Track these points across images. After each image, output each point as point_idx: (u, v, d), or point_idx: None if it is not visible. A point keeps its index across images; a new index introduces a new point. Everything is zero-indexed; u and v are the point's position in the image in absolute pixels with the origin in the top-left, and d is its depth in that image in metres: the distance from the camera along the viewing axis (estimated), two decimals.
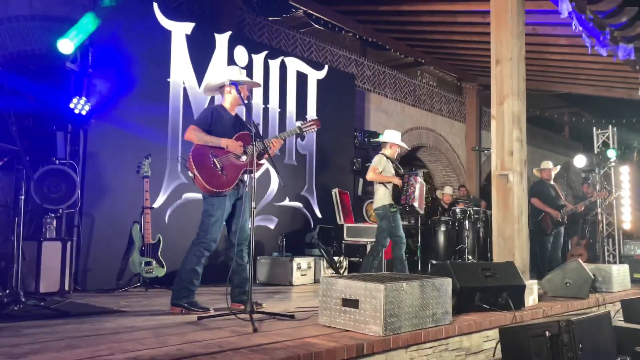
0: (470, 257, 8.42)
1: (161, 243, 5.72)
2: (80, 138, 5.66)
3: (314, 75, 8.23)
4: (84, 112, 5.35)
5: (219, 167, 4.04)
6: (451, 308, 3.67)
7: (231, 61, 7.12)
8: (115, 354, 2.54)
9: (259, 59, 7.46)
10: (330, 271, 6.96)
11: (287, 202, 7.62)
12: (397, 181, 5.84)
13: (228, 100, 4.31)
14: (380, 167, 5.91)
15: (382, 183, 5.91)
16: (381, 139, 6.33)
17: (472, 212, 8.54)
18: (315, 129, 4.32)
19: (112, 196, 5.77)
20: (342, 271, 7.08)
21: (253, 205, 3.63)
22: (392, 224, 5.86)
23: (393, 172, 5.97)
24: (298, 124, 4.35)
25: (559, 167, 8.50)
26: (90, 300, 4.72)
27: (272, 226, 7.39)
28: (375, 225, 7.78)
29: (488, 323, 4.00)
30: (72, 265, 5.37)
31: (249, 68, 7.31)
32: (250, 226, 4.19)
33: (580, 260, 5.52)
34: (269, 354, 2.61)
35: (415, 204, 5.83)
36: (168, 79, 6.39)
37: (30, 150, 5.45)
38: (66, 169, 5.33)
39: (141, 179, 5.69)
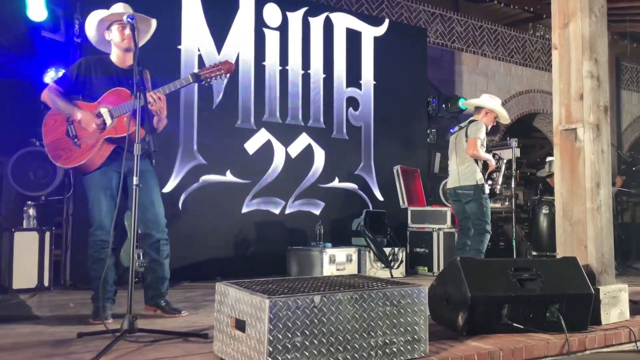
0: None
1: None
2: None
3: (370, 32, 6.90)
4: None
5: (72, 135, 3.13)
6: (426, 333, 2.33)
7: (259, 23, 6.12)
8: None
9: (295, 17, 6.35)
10: (379, 265, 5.70)
11: (336, 183, 6.46)
12: (494, 165, 4.83)
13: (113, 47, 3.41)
14: (482, 139, 4.75)
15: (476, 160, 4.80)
16: (477, 102, 5.04)
17: None
18: (223, 75, 3.18)
19: None
20: (396, 265, 5.77)
21: (135, 181, 2.62)
22: (483, 208, 4.70)
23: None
24: (196, 69, 3.24)
25: None
26: (48, 300, 4.09)
27: (316, 212, 6.28)
28: (445, 209, 6.33)
29: (508, 354, 2.57)
30: (63, 259, 4.86)
31: (283, 30, 6.25)
32: (160, 209, 3.22)
33: None
34: None
35: (496, 191, 4.97)
36: (178, 46, 5.58)
37: (12, 131, 5.03)
38: (45, 151, 4.78)
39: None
